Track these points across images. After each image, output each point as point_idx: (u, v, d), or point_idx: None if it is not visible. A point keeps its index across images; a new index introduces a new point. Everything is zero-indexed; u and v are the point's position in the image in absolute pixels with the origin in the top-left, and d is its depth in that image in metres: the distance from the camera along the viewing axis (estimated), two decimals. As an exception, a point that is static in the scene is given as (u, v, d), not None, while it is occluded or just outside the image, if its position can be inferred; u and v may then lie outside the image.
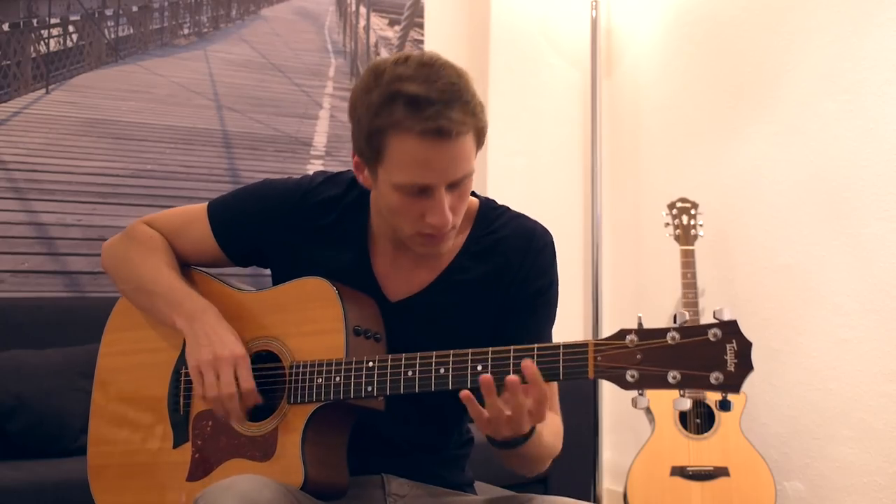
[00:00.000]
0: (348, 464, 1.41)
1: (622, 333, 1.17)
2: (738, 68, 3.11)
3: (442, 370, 1.27)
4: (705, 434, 2.81)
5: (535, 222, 1.51)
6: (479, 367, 1.25)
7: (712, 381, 1.11)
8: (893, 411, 2.63)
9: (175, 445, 1.48)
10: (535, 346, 1.22)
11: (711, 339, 1.12)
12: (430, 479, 1.48)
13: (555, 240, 1.54)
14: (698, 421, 2.83)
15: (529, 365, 1.20)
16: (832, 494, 2.76)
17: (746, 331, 1.12)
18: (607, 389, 3.37)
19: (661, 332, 1.14)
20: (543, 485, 2.74)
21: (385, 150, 1.29)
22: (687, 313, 1.16)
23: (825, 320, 2.80)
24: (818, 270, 2.82)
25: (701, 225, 2.96)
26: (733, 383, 1.11)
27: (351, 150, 1.40)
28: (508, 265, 1.45)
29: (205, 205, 1.57)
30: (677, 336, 1.13)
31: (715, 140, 3.19)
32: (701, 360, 1.12)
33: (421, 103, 1.25)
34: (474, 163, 1.34)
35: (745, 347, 1.11)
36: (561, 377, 1.20)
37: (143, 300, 1.54)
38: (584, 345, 1.19)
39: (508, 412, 1.22)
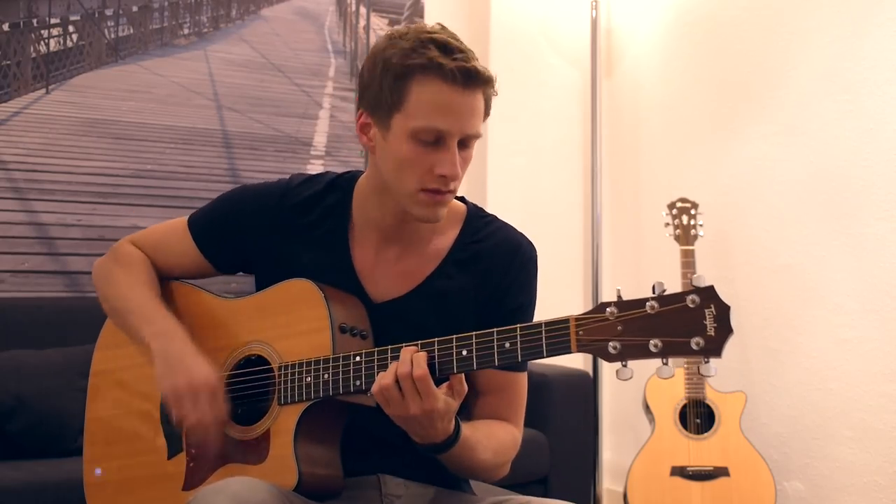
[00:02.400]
0: (344, 464, 1.40)
1: (602, 306, 1.18)
2: (737, 68, 3.11)
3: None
4: (705, 434, 2.81)
5: (522, 235, 1.52)
6: (465, 353, 1.26)
7: (693, 346, 1.11)
8: (893, 411, 2.63)
9: (169, 457, 1.48)
10: (518, 326, 1.23)
11: (690, 305, 1.12)
12: (427, 479, 1.48)
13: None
14: (698, 421, 2.83)
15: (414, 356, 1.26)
16: (832, 494, 2.76)
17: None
18: (607, 389, 3.37)
19: (640, 303, 1.15)
20: (544, 485, 2.74)
21: (409, 94, 1.33)
22: (665, 283, 1.17)
23: (825, 320, 2.80)
24: (818, 270, 2.82)
25: (701, 225, 2.96)
26: (714, 347, 1.11)
27: (358, 117, 1.42)
28: (491, 278, 1.47)
29: (184, 218, 1.59)
30: (656, 305, 1.14)
31: (715, 140, 3.19)
32: (681, 326, 1.12)
33: (452, 49, 1.33)
34: (481, 127, 1.39)
35: (723, 312, 1.11)
36: (545, 354, 1.21)
37: (119, 319, 1.56)
38: (565, 321, 1.20)
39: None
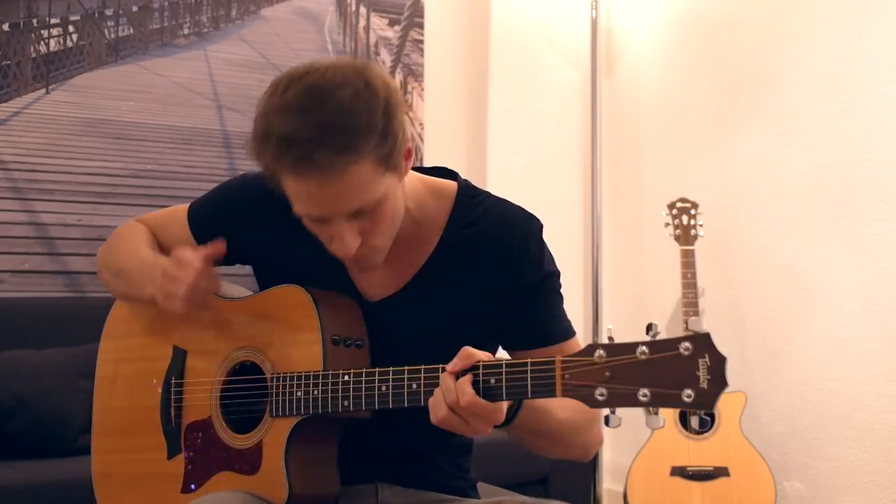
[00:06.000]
0: (341, 473, 1.39)
1: (591, 349, 1.12)
2: (738, 68, 3.11)
3: (414, 385, 1.24)
4: (705, 434, 2.81)
5: (517, 211, 1.42)
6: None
7: (684, 398, 1.05)
8: (893, 411, 2.63)
9: (169, 457, 1.48)
10: (504, 361, 1.18)
11: (683, 353, 1.06)
12: (426, 486, 1.46)
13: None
14: (698, 421, 2.83)
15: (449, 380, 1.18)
16: (832, 494, 2.76)
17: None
18: (607, 389, 3.37)
19: (631, 347, 1.09)
20: (544, 485, 2.74)
21: (280, 185, 1.27)
22: (659, 325, 1.11)
23: (825, 320, 2.80)
24: (818, 270, 2.82)
25: (701, 225, 2.96)
26: (706, 401, 1.04)
27: None
28: (490, 265, 1.38)
29: (186, 206, 1.58)
30: (647, 351, 1.08)
31: (715, 140, 3.19)
32: (672, 376, 1.06)
33: (289, 144, 1.19)
34: (380, 189, 1.24)
35: (718, 363, 1.04)
36: (529, 395, 1.16)
37: (123, 284, 1.52)
38: (551, 361, 1.14)
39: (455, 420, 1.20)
